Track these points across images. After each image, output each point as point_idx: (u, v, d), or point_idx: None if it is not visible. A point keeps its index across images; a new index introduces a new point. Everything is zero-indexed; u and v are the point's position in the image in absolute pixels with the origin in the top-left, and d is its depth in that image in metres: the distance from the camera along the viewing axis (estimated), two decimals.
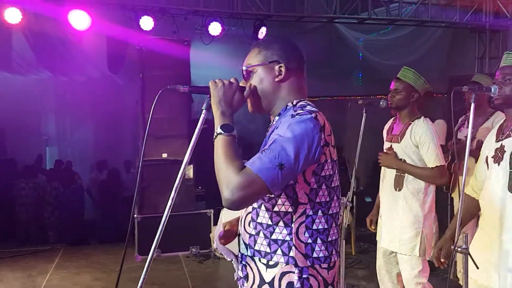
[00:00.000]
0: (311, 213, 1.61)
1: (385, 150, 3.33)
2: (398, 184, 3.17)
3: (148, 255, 5.28)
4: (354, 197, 6.02)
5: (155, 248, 1.67)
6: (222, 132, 1.58)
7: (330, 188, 1.65)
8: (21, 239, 7.21)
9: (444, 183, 3.13)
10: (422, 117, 3.17)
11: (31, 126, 9.56)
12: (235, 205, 1.49)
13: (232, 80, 1.70)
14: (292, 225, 1.60)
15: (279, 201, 1.60)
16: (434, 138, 3.07)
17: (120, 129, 7.92)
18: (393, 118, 3.41)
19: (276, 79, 1.72)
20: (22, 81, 8.95)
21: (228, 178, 1.48)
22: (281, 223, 1.61)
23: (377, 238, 3.38)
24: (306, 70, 7.41)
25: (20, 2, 5.48)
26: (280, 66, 1.72)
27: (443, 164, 3.06)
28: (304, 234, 1.60)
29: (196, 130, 1.72)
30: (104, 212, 7.08)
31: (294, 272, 1.58)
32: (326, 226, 1.64)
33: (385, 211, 3.28)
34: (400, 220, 3.14)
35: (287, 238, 1.60)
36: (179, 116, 5.33)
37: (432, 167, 3.04)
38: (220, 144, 1.57)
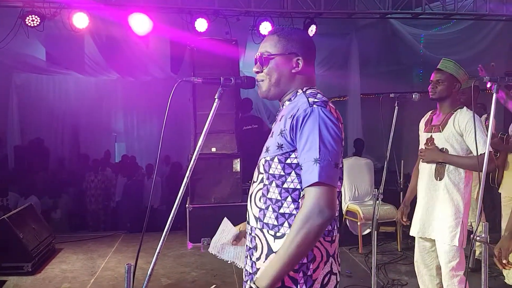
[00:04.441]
0: None
1: (423, 143, 3.32)
2: (439, 174, 3.16)
3: (199, 242, 5.54)
4: (402, 193, 5.98)
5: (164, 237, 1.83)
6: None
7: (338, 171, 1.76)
8: (91, 227, 7.84)
9: (492, 168, 3.10)
10: (465, 107, 3.16)
11: (102, 123, 10.27)
12: (331, 216, 1.62)
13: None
14: (299, 200, 1.69)
15: (289, 179, 1.71)
16: (480, 125, 3.03)
17: (180, 126, 8.36)
18: (431, 111, 3.40)
19: (293, 71, 1.81)
20: (94, 82, 9.69)
21: (308, 225, 1.58)
22: (289, 199, 1.71)
23: (412, 232, 3.36)
24: (361, 67, 7.43)
25: (86, 7, 5.96)
26: (298, 59, 1.80)
27: (490, 150, 2.95)
28: None
29: (209, 118, 1.91)
30: (162, 203, 7.54)
31: None
32: None
33: (424, 201, 3.27)
34: (441, 210, 3.15)
35: (294, 212, 1.70)
36: (227, 112, 5.62)
37: (480, 154, 2.93)
38: (278, 271, 1.61)
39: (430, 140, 3.26)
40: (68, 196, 8.29)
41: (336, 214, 1.80)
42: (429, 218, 3.23)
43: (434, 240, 3.24)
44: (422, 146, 3.35)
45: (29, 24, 5.84)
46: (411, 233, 3.38)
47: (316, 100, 1.71)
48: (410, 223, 3.44)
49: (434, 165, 3.19)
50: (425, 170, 3.27)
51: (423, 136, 3.36)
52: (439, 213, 3.16)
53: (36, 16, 5.83)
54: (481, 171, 2.99)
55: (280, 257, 1.60)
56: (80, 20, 5.95)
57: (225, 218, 2.05)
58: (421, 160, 3.33)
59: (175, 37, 6.99)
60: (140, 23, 6.04)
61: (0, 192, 6.90)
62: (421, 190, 3.31)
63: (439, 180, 3.16)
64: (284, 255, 1.58)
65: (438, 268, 3.28)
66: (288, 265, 1.59)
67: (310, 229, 1.57)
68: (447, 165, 3.13)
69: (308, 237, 1.58)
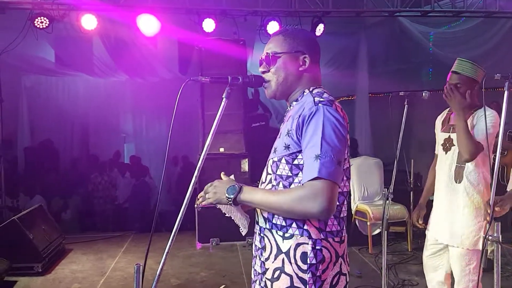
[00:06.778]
0: None
1: (441, 143, 3.18)
2: (459, 176, 3.02)
3: (208, 242, 5.62)
4: (412, 193, 5.94)
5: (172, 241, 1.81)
6: (233, 195, 1.75)
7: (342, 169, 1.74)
8: (101, 227, 7.86)
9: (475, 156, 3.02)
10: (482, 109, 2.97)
11: (111, 125, 10.30)
12: (328, 213, 1.62)
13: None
14: None
15: (296, 180, 1.71)
16: (491, 128, 2.86)
17: (190, 127, 8.39)
18: (448, 109, 3.25)
19: (300, 69, 1.82)
20: (103, 84, 9.72)
21: (300, 203, 1.61)
22: None
23: (428, 232, 3.24)
24: (370, 66, 7.36)
25: (95, 9, 5.98)
26: (305, 57, 1.82)
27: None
28: None
29: (217, 117, 1.90)
30: (170, 203, 7.55)
31: (308, 244, 1.68)
32: (338, 203, 1.72)
33: (443, 205, 3.13)
34: (462, 214, 3.01)
35: None
36: (235, 112, 5.62)
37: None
38: (257, 201, 1.73)
39: (448, 141, 3.13)
40: (78, 196, 8.33)
41: (345, 214, 1.79)
42: (447, 222, 3.09)
43: (447, 244, 3.11)
44: (438, 146, 3.22)
45: (38, 26, 5.86)
46: (430, 236, 3.24)
47: (322, 99, 1.71)
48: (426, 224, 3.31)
49: (453, 167, 3.06)
50: (443, 171, 3.14)
51: (440, 136, 3.24)
52: (460, 218, 3.02)
53: (45, 18, 5.85)
54: (474, 152, 2.90)
55: (268, 198, 1.70)
56: (89, 22, 5.96)
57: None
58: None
59: (183, 38, 7.00)
60: (148, 24, 6.04)
61: (10, 193, 6.95)
62: (439, 194, 3.18)
63: (458, 183, 3.02)
64: (269, 203, 1.69)
65: (448, 274, 3.17)
66: (264, 207, 1.73)
67: (298, 210, 1.62)
68: (466, 166, 2.99)
69: (291, 213, 1.66)
